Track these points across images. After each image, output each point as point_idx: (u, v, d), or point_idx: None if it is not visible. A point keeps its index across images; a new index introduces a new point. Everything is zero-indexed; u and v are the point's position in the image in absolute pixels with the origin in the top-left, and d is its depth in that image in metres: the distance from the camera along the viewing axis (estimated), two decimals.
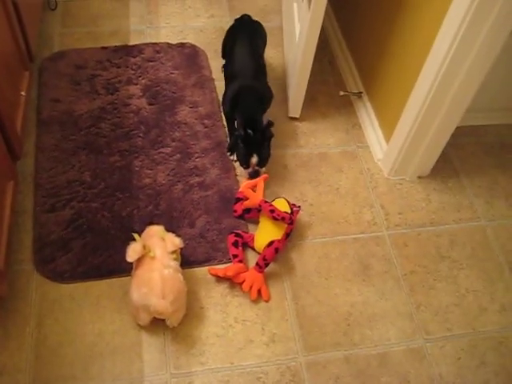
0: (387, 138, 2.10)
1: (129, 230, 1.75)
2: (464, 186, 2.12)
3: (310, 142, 2.18)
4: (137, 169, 1.99)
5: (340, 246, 1.90)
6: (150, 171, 1.98)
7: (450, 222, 2.01)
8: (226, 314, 1.71)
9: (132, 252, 1.57)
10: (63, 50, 2.36)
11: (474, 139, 2.29)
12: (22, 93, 1.94)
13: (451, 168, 2.17)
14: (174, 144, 2.07)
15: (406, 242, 1.93)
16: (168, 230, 1.74)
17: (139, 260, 1.59)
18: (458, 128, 1.96)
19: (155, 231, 1.68)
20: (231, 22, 2.28)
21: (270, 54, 2.48)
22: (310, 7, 1.83)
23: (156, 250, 1.59)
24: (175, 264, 1.61)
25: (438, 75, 1.73)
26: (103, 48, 2.39)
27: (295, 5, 2.23)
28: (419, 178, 2.12)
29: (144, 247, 1.58)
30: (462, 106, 1.85)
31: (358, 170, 2.12)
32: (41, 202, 1.86)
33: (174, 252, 1.62)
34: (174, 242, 1.63)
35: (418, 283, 1.84)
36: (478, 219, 2.03)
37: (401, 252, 1.91)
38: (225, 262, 1.80)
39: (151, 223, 1.75)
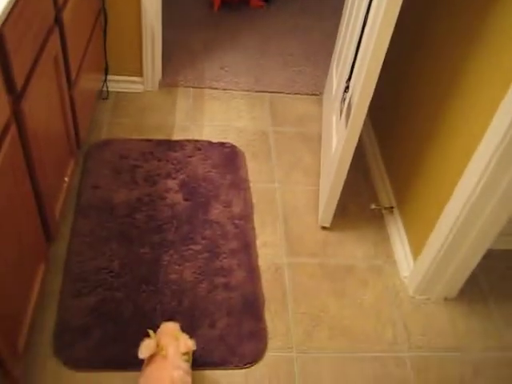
0: (415, 255, 2.10)
1: (150, 324, 1.75)
2: (492, 312, 2.07)
3: (337, 253, 2.20)
4: (165, 263, 2.02)
5: (358, 364, 1.86)
6: (177, 267, 2.01)
7: (475, 349, 1.95)
8: None
9: (145, 349, 1.56)
10: (110, 139, 2.49)
11: (506, 264, 2.26)
12: (66, 179, 2.02)
13: (479, 292, 2.14)
14: (203, 242, 2.11)
15: (428, 366, 1.88)
16: (188, 328, 1.73)
17: (150, 357, 1.58)
18: (489, 250, 1.94)
19: (170, 329, 1.67)
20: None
21: (307, 159, 2.55)
22: (347, 126, 1.90)
23: (169, 349, 1.58)
24: (186, 366, 1.59)
25: (472, 195, 1.72)
26: (147, 140, 2.50)
27: (334, 118, 2.32)
28: (445, 299, 2.09)
29: (157, 345, 1.58)
30: (495, 228, 1.83)
31: (383, 286, 2.11)
32: (68, 286, 1.90)
33: (186, 353, 1.61)
34: (188, 343, 1.61)
35: None
36: (505, 349, 1.97)
37: (420, 376, 1.85)
38: (241, 368, 1.78)
39: (169, 319, 1.75)
